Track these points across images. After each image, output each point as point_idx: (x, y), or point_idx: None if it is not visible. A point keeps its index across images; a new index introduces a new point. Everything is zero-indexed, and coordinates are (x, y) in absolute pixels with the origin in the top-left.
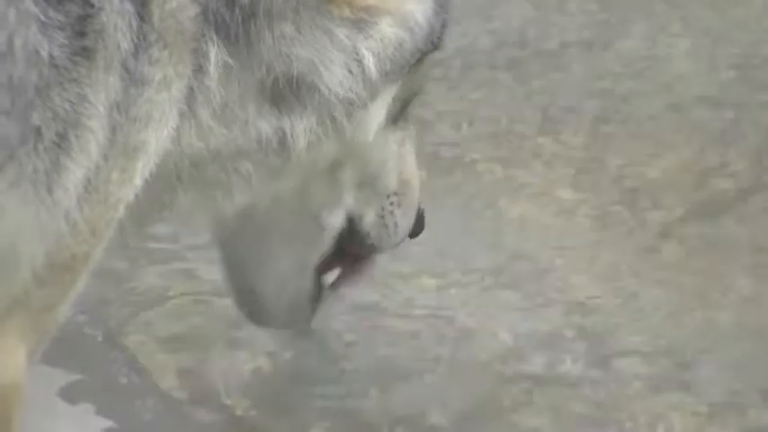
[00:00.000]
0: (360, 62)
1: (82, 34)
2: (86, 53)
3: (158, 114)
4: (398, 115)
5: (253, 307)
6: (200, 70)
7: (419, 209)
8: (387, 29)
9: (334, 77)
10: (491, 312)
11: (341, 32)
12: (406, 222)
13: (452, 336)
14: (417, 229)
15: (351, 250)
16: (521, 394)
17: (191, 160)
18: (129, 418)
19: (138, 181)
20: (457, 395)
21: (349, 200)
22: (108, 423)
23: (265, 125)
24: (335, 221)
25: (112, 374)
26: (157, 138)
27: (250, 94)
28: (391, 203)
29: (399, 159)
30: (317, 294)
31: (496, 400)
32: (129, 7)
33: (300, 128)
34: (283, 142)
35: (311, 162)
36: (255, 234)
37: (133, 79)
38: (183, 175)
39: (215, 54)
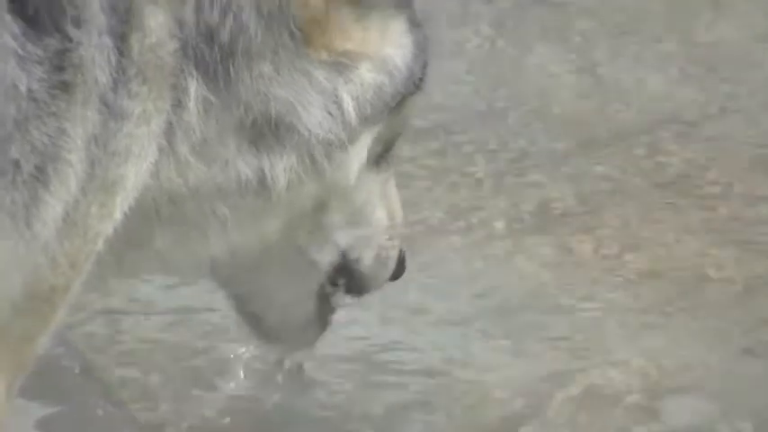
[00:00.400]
0: (339, 105)
1: (60, 68)
2: (65, 87)
3: (137, 149)
4: (381, 157)
5: (260, 331)
6: (179, 105)
7: (400, 251)
8: (366, 74)
9: (313, 118)
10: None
11: (320, 75)
12: (395, 255)
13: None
14: (399, 271)
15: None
16: None
17: (169, 196)
18: None
19: (118, 215)
20: None
21: (341, 240)
22: None
23: (244, 164)
24: (325, 258)
25: (89, 406)
26: (136, 172)
27: (229, 131)
28: (389, 238)
29: (385, 198)
30: (325, 314)
31: None
32: (107, 41)
33: (280, 167)
34: (263, 182)
35: (292, 203)
36: (250, 269)
37: (112, 113)
38: (161, 211)
39: (195, 89)
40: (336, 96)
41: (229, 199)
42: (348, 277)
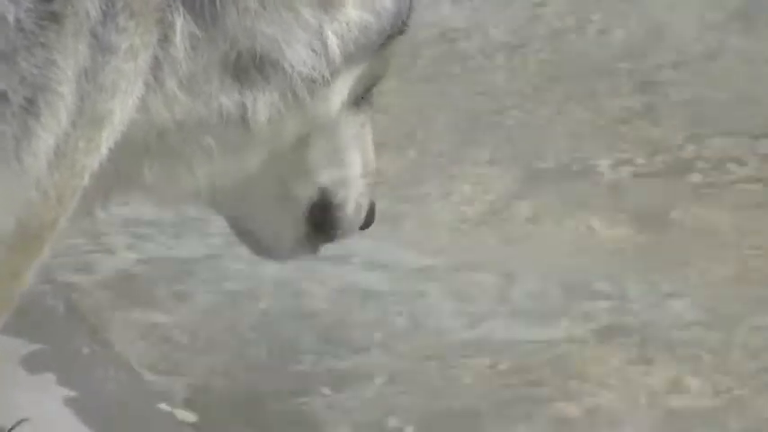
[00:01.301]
0: (324, 43)
1: None
2: (54, 18)
3: (125, 84)
4: (362, 97)
5: (255, 246)
6: (165, 40)
7: (371, 201)
8: (352, 12)
9: (298, 55)
10: None
11: (306, 11)
12: (366, 205)
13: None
14: (369, 220)
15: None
16: None
17: (157, 130)
18: (90, 387)
19: (104, 150)
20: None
21: (320, 178)
22: (69, 392)
23: (226, 99)
24: (305, 192)
25: (74, 344)
26: (123, 107)
27: (214, 66)
28: (367, 184)
29: (363, 142)
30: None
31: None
32: None
33: (261, 103)
34: (244, 117)
35: (274, 137)
36: (237, 197)
37: (101, 47)
38: (149, 145)
39: (181, 24)
40: (322, 34)
41: (213, 131)
42: (322, 218)
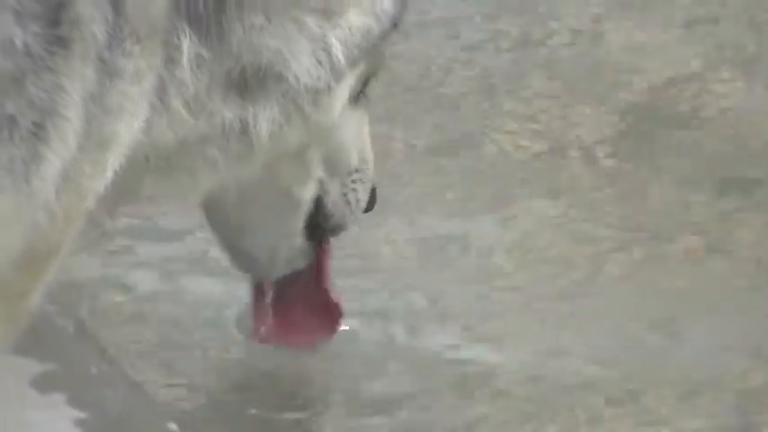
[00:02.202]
0: (328, 51)
1: (57, 23)
2: (62, 43)
3: (131, 106)
4: (359, 94)
5: (247, 267)
6: (171, 62)
7: (373, 185)
8: (354, 18)
9: (302, 67)
10: None
11: (310, 20)
12: (365, 197)
13: None
14: (371, 203)
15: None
16: None
17: (160, 149)
18: (99, 407)
19: (109, 173)
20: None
21: (319, 173)
22: (79, 413)
23: (229, 113)
24: (307, 194)
25: (84, 364)
26: (129, 130)
27: (218, 83)
28: (353, 181)
29: (359, 138)
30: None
31: None
32: None
33: (263, 117)
34: (246, 130)
35: (276, 147)
36: (237, 207)
37: (107, 71)
38: (151, 162)
39: (187, 46)
40: (325, 42)
41: (215, 145)
42: (323, 217)
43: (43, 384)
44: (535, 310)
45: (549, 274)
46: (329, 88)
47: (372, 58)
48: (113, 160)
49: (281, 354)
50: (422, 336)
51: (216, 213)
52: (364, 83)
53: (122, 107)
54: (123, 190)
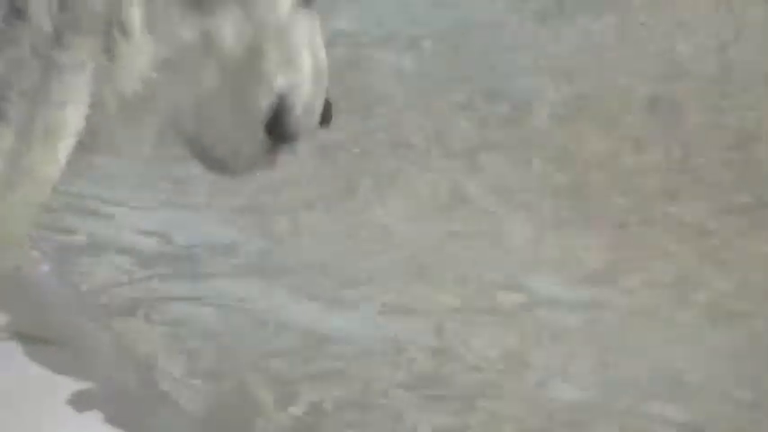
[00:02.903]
0: None
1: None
2: (20, 14)
3: (76, 95)
4: None
5: (212, 162)
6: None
7: (327, 99)
8: None
9: None
10: None
11: None
12: (319, 105)
13: None
14: (327, 117)
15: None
16: None
17: (124, 98)
18: (137, 426)
19: (63, 159)
20: None
21: (276, 83)
22: (117, 431)
23: (189, 31)
24: (263, 101)
25: (121, 382)
26: (76, 115)
27: (173, 7)
28: (310, 89)
29: (311, 41)
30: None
31: None
32: None
33: (228, 25)
34: (209, 43)
35: (234, 54)
36: (196, 113)
37: (50, 62)
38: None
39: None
40: None
41: (176, 63)
42: (278, 123)
43: (80, 402)
44: None
45: None
46: None
47: None
48: (65, 146)
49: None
50: None
51: (174, 121)
52: None
53: (66, 97)
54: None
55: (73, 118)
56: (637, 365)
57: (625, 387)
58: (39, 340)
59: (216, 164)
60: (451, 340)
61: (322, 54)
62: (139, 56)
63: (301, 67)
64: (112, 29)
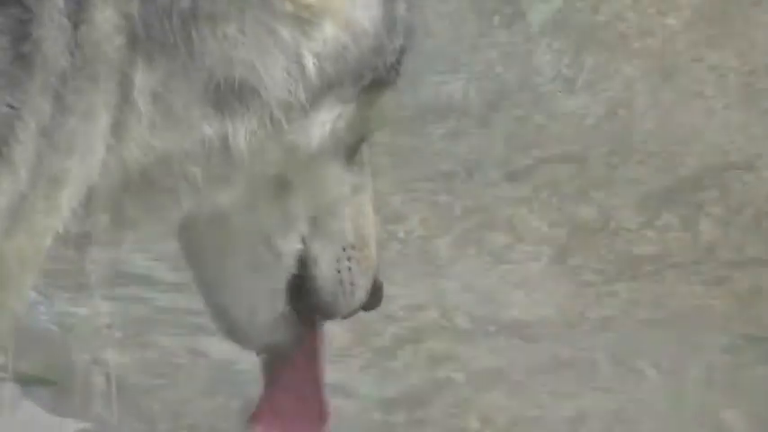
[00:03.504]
0: (300, 63)
1: (21, 39)
2: (25, 62)
3: (83, 144)
4: (351, 151)
5: (230, 327)
6: (130, 95)
7: (377, 280)
8: (329, 30)
9: (275, 80)
10: None
11: (284, 31)
12: (364, 284)
13: None
14: (374, 301)
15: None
16: None
17: (139, 171)
18: None
19: (66, 209)
20: None
21: (302, 227)
22: None
23: (208, 128)
24: (288, 246)
25: (120, 423)
26: (83, 167)
27: (194, 98)
28: (348, 258)
29: (355, 210)
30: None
31: None
32: (66, 24)
33: (242, 129)
34: (226, 144)
35: (255, 167)
36: (217, 253)
37: (61, 105)
38: (131, 184)
39: (147, 79)
40: (298, 54)
41: (196, 161)
42: (306, 287)
43: None
44: None
45: None
46: (303, 107)
47: (362, 105)
48: (69, 197)
49: None
50: None
51: (198, 263)
52: (355, 137)
53: (73, 144)
54: (107, 216)
55: (80, 169)
56: None
57: None
58: (37, 381)
59: (233, 326)
60: None
61: (369, 228)
62: (154, 144)
63: (338, 230)
64: (131, 72)
